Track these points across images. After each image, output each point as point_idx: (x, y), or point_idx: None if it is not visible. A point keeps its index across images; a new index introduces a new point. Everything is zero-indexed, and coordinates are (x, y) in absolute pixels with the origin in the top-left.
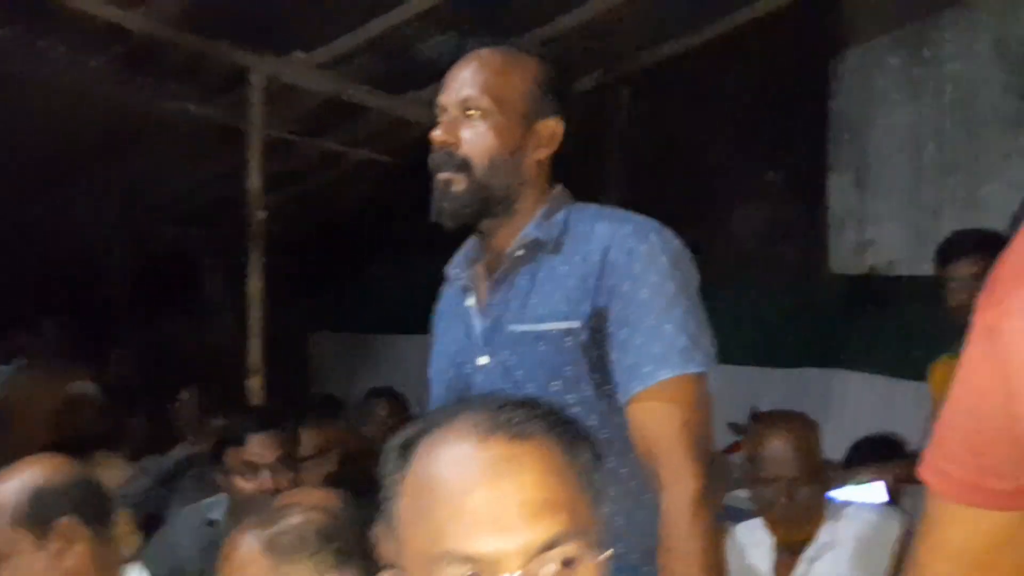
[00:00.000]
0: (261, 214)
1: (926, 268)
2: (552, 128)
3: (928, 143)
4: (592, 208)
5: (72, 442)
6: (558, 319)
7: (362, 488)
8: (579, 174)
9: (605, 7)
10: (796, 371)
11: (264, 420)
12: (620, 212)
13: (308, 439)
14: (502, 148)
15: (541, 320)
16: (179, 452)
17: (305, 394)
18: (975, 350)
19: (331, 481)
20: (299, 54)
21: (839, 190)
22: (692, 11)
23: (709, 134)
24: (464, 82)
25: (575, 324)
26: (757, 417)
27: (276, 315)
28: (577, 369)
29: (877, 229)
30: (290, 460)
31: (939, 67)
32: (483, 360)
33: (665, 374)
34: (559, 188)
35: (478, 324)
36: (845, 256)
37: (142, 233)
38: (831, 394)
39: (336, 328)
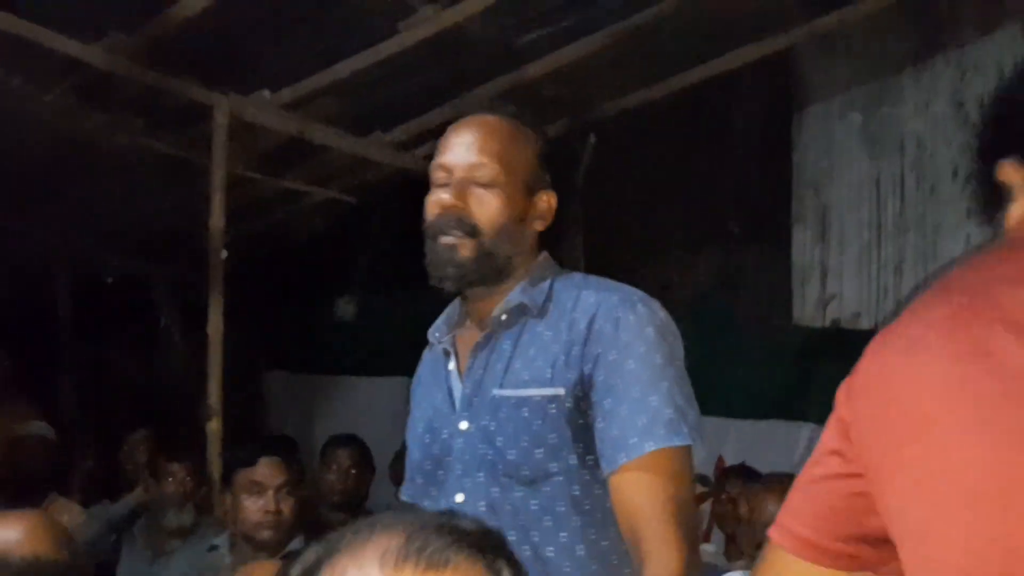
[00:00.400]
0: (223, 253)
1: (887, 322)
2: (548, 201)
3: (888, 198)
4: (577, 276)
5: (23, 484)
6: (542, 385)
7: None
8: None
9: (573, 57)
10: (762, 423)
11: (272, 446)
12: (606, 281)
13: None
14: (509, 217)
15: (524, 385)
16: (132, 498)
17: (261, 435)
18: (830, 434)
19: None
20: (264, 93)
21: (802, 243)
22: (659, 63)
23: (673, 184)
24: (473, 147)
25: (560, 391)
26: (724, 471)
27: (231, 353)
28: (560, 437)
29: (839, 283)
30: (293, 488)
31: (899, 124)
32: (463, 425)
33: (651, 446)
34: (544, 255)
35: (458, 388)
36: (808, 309)
37: (94, 266)
38: (796, 446)
39: (292, 368)
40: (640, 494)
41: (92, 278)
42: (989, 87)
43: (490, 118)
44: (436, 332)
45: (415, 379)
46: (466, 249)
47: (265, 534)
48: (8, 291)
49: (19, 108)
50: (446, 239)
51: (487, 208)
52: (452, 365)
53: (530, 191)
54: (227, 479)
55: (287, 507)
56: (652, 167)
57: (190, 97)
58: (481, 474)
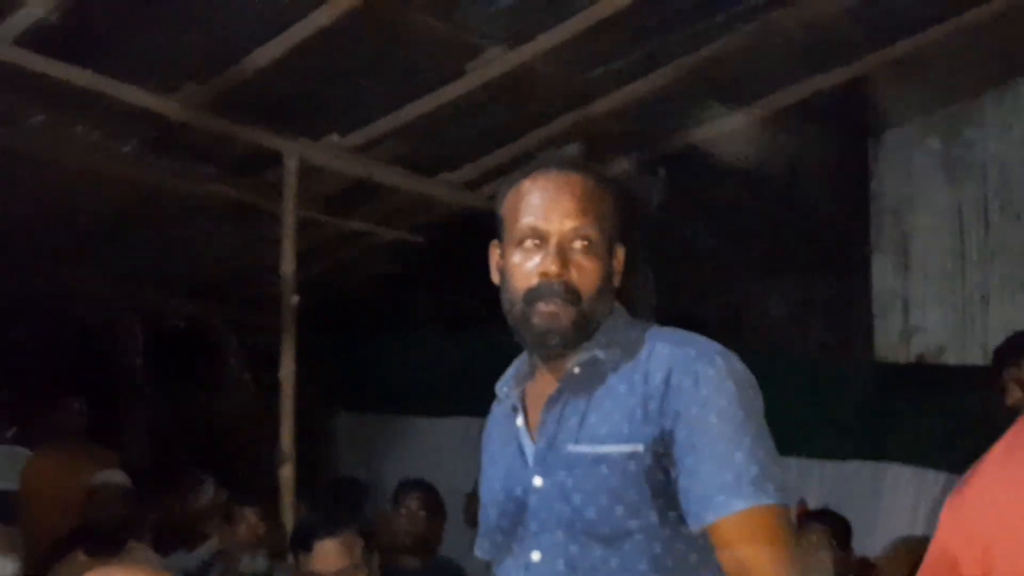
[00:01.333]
0: (295, 298)
1: (975, 355)
2: (622, 256)
3: (972, 225)
4: (652, 328)
5: (101, 532)
6: (620, 441)
7: None
8: None
9: (640, 92)
10: (844, 464)
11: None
12: (680, 333)
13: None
14: (605, 279)
15: (602, 442)
16: (209, 546)
17: (330, 478)
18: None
19: None
20: (333, 138)
21: (882, 272)
22: (730, 93)
23: (746, 215)
24: (568, 211)
25: (639, 448)
26: (807, 515)
27: (299, 394)
28: (640, 494)
29: (922, 314)
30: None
31: (981, 148)
32: (538, 482)
33: (739, 505)
34: (618, 306)
35: (529, 445)
36: (891, 341)
37: (165, 312)
38: (879, 488)
39: (362, 409)
40: (743, 551)
41: (163, 324)
42: None
43: (574, 176)
44: (504, 386)
45: (485, 434)
46: (568, 316)
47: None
48: (82, 339)
49: (96, 161)
50: (547, 307)
51: (588, 275)
52: (520, 421)
53: (611, 249)
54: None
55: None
56: (724, 198)
57: (260, 144)
58: (560, 532)
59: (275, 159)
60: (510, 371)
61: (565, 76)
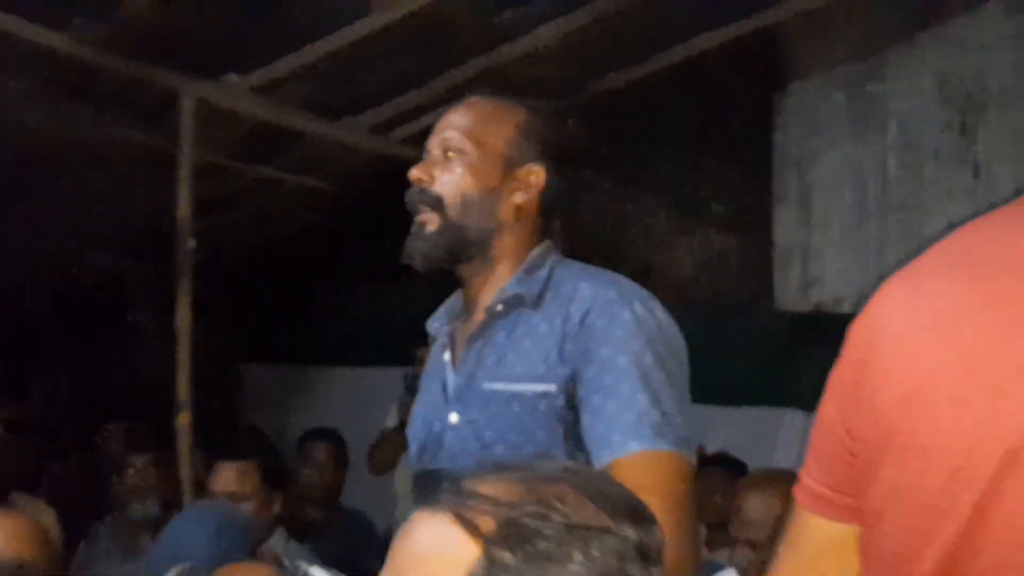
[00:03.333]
0: (191, 243)
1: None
2: (534, 174)
3: (872, 179)
4: (577, 266)
5: None
6: (534, 380)
7: (297, 535)
8: None
9: (552, 37)
10: (743, 410)
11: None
12: (607, 275)
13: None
14: (476, 188)
15: (516, 380)
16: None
17: (234, 428)
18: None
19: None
20: (233, 77)
21: (784, 225)
22: (635, 43)
23: (653, 166)
24: (447, 125)
25: (551, 387)
26: (705, 459)
27: (206, 345)
28: (551, 434)
29: (822, 266)
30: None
31: (883, 103)
32: (453, 418)
33: (634, 446)
34: (545, 243)
35: (451, 380)
36: (791, 293)
37: (64, 261)
38: (778, 433)
39: (269, 359)
40: None
41: (62, 273)
42: (973, 64)
43: (472, 98)
44: (435, 323)
45: (424, 371)
46: (432, 223)
47: None
48: None
49: None
50: (418, 216)
51: (452, 180)
52: (447, 356)
53: (508, 163)
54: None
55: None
56: (632, 148)
57: (158, 84)
58: (469, 469)
59: (173, 100)
60: (442, 308)
61: (476, 18)
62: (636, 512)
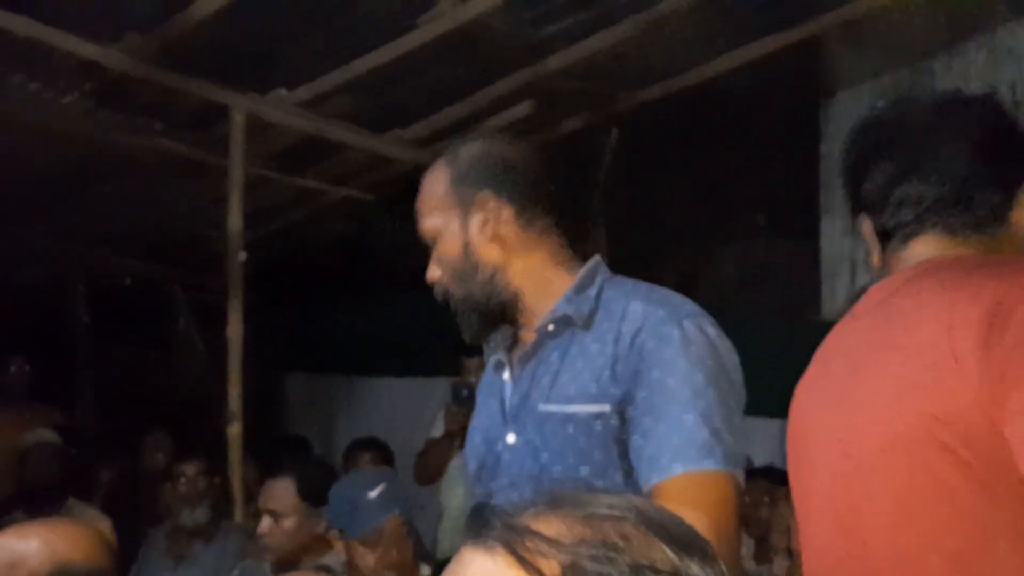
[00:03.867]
0: (242, 255)
1: None
2: (485, 201)
3: None
4: (629, 284)
5: (36, 493)
6: (587, 401)
7: None
8: (565, 213)
9: (594, 49)
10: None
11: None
12: (657, 292)
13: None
14: (454, 254)
15: (570, 401)
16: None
17: (279, 438)
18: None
19: None
20: (281, 92)
21: (831, 235)
22: (683, 53)
23: (698, 176)
24: (418, 217)
25: (605, 408)
26: (751, 472)
27: (250, 355)
28: (606, 455)
29: (870, 276)
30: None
31: None
32: (511, 438)
33: (679, 468)
34: (595, 260)
35: (508, 400)
36: (838, 303)
37: (112, 270)
38: None
39: (314, 369)
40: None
41: (110, 282)
42: (1021, 72)
43: (421, 183)
44: (492, 341)
45: (479, 388)
46: (456, 307)
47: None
48: (25, 296)
49: (37, 113)
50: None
51: (440, 265)
52: (507, 375)
53: (462, 211)
54: None
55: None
56: (676, 159)
57: (207, 98)
58: (528, 489)
59: (222, 113)
60: (501, 329)
61: (518, 32)
62: (702, 551)
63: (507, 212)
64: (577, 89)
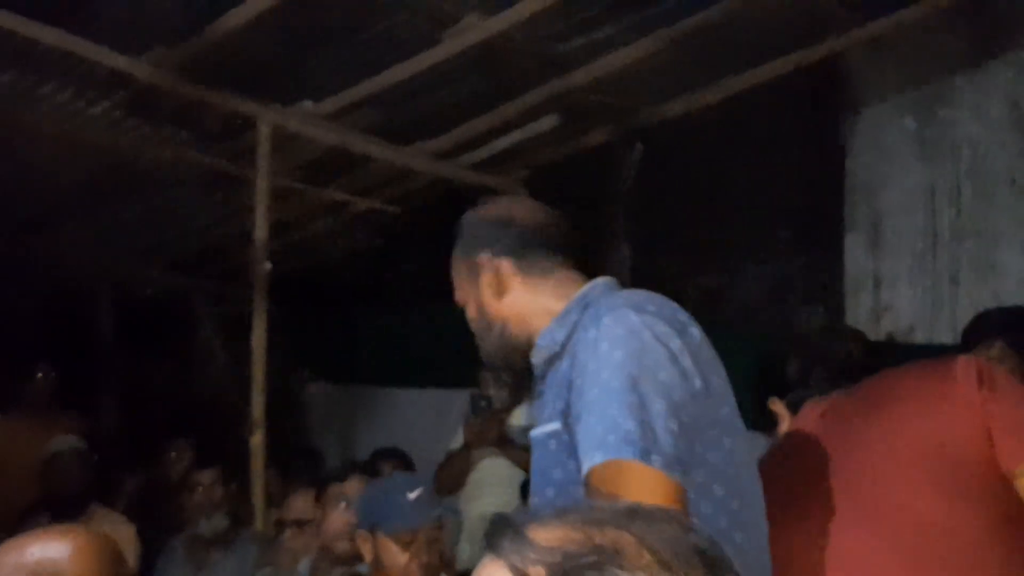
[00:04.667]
0: (266, 265)
1: (944, 335)
2: (484, 261)
3: (944, 206)
4: (608, 296)
5: (60, 499)
6: (547, 421)
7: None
8: (588, 229)
9: (618, 64)
10: None
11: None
12: (612, 296)
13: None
14: (473, 310)
15: (543, 424)
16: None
17: (298, 448)
18: None
19: None
20: (307, 104)
21: (855, 252)
22: (707, 68)
23: (721, 191)
24: None
25: (556, 426)
26: None
27: (273, 364)
28: (565, 473)
29: (893, 293)
30: None
31: (954, 128)
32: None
33: (598, 457)
34: (589, 285)
35: None
36: (862, 321)
37: (137, 279)
38: None
39: (335, 379)
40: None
41: (135, 291)
42: None
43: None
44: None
45: None
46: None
47: (344, 545)
48: (53, 305)
49: (66, 123)
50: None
51: (472, 320)
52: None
53: (471, 279)
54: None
55: None
56: (699, 174)
57: (233, 109)
58: (533, 511)
59: (249, 125)
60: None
61: (543, 46)
62: (706, 558)
63: (505, 265)
64: (601, 103)
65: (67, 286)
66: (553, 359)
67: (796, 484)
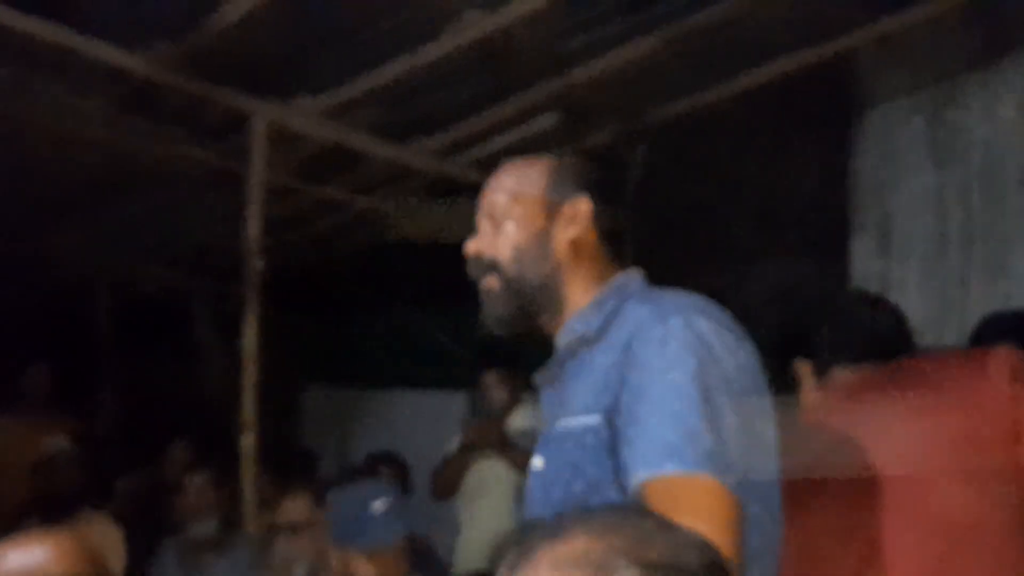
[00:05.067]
0: (259, 264)
1: (952, 338)
2: (577, 205)
3: (953, 208)
4: (654, 293)
5: (51, 501)
6: (581, 413)
7: None
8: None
9: (621, 62)
10: None
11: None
12: (661, 293)
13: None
14: (525, 235)
15: (572, 415)
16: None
17: (293, 450)
18: None
19: None
20: (304, 101)
21: (862, 254)
22: (713, 67)
23: (727, 193)
24: (487, 195)
25: (594, 420)
26: None
27: (268, 366)
28: (600, 470)
29: (901, 296)
30: None
31: (965, 130)
32: (537, 463)
33: (642, 474)
34: (624, 275)
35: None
36: None
37: (133, 278)
38: None
39: (330, 381)
40: None
41: (131, 290)
42: None
43: (504, 167)
44: (538, 376)
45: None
46: (495, 286)
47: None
48: (48, 303)
49: (61, 118)
50: (481, 284)
51: (501, 239)
52: (544, 397)
53: (550, 204)
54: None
55: None
56: (704, 175)
57: (229, 105)
58: (543, 512)
59: (245, 121)
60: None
61: (544, 43)
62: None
63: (593, 225)
64: (603, 102)
65: (64, 284)
66: (581, 345)
67: (818, 467)
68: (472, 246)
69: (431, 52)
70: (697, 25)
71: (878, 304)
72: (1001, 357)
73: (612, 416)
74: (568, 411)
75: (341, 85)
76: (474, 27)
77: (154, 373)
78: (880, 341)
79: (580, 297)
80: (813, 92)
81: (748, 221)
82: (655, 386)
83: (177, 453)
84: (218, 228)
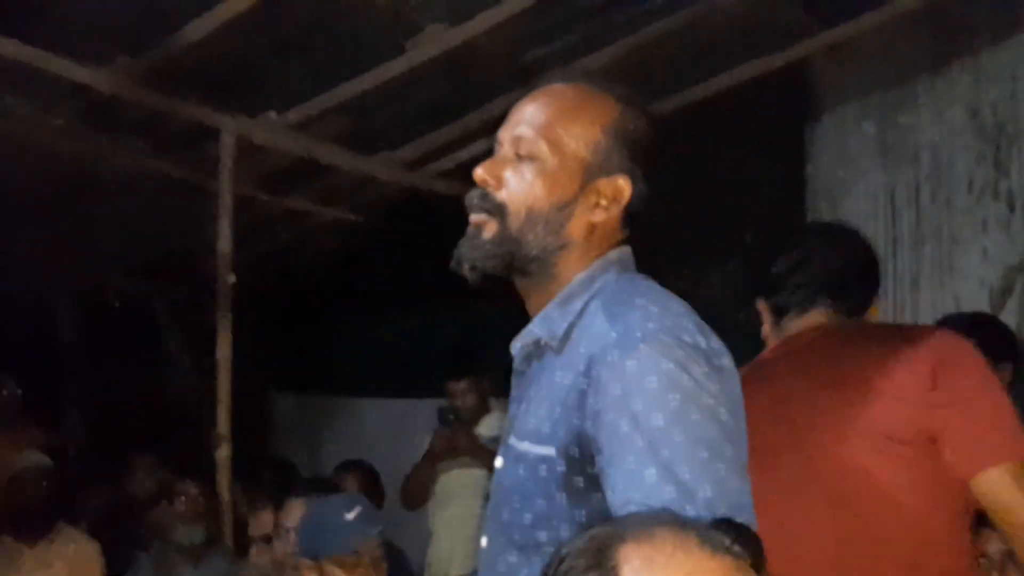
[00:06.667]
0: (231, 277)
1: None
2: (616, 187)
3: (904, 210)
4: (624, 288)
5: (26, 516)
6: (537, 441)
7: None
8: None
9: (583, 71)
10: None
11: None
12: (629, 301)
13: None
14: (547, 200)
15: (524, 438)
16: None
17: (265, 458)
18: None
19: None
20: (271, 114)
21: None
22: (670, 75)
23: (685, 198)
24: (523, 118)
25: (550, 451)
26: None
27: (238, 375)
28: (550, 504)
29: None
30: None
31: (915, 134)
32: (498, 462)
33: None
34: (602, 260)
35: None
36: None
37: (100, 289)
38: None
39: (301, 389)
40: None
41: (98, 301)
42: (1004, 94)
43: (556, 86)
44: (517, 343)
45: None
46: (489, 230)
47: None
48: (13, 316)
49: (27, 134)
50: (473, 217)
51: (519, 186)
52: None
53: (590, 173)
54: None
55: None
56: (663, 181)
57: (197, 119)
58: (493, 524)
59: (212, 135)
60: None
61: (507, 55)
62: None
63: (616, 206)
64: None
65: (28, 294)
66: (540, 352)
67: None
68: (483, 174)
69: (396, 65)
70: (655, 35)
71: (836, 241)
72: (928, 351)
73: (572, 451)
74: (523, 426)
75: (307, 99)
76: (437, 40)
77: (120, 383)
78: (833, 281)
79: (567, 279)
80: (768, 99)
81: (708, 224)
82: (637, 433)
83: (145, 467)
84: (183, 238)
